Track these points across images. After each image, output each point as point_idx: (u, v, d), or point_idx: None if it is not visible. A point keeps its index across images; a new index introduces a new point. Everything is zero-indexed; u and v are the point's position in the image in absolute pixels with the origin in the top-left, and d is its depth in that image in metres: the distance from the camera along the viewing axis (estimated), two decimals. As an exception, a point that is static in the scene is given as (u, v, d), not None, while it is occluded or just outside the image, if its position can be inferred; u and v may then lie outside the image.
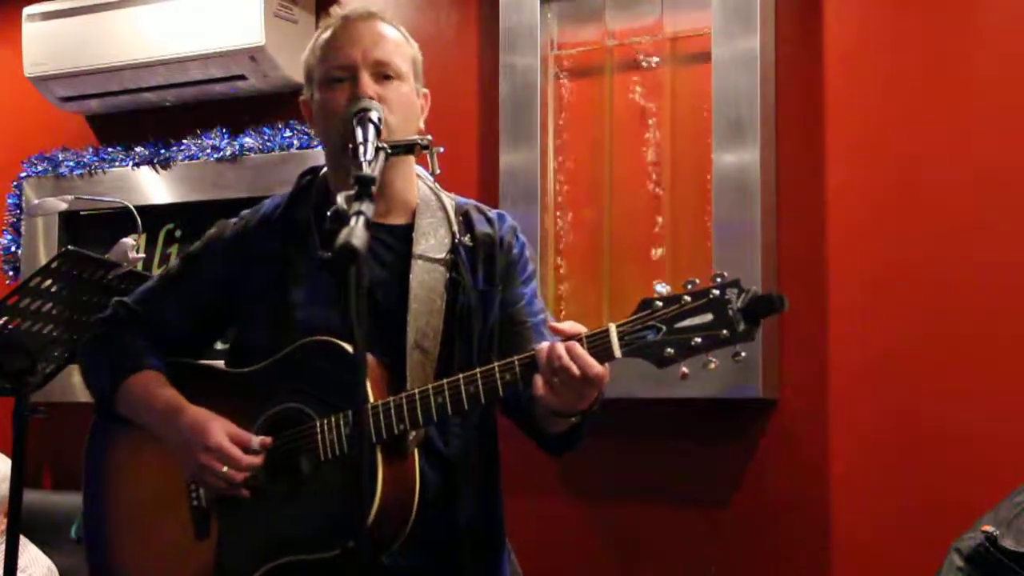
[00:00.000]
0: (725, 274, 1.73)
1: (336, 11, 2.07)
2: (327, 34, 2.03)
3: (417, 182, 2.08)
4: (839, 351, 3.00)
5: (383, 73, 1.97)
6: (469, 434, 2.02)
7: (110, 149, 4.00)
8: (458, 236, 2.03)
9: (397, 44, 2.02)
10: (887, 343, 2.95)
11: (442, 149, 1.90)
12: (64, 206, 3.39)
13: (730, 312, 1.71)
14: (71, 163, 4.04)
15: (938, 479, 2.87)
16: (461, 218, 2.06)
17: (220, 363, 2.11)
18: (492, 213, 2.11)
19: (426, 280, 1.98)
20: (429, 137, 1.91)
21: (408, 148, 1.90)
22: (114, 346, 2.10)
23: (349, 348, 1.87)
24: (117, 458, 2.13)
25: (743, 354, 1.72)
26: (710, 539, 3.10)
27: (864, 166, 3.02)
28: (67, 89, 3.94)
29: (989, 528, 2.36)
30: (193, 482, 1.99)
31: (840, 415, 2.99)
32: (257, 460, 1.92)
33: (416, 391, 1.87)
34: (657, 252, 3.21)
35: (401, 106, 1.98)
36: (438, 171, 1.92)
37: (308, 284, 1.99)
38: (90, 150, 4.03)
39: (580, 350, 1.76)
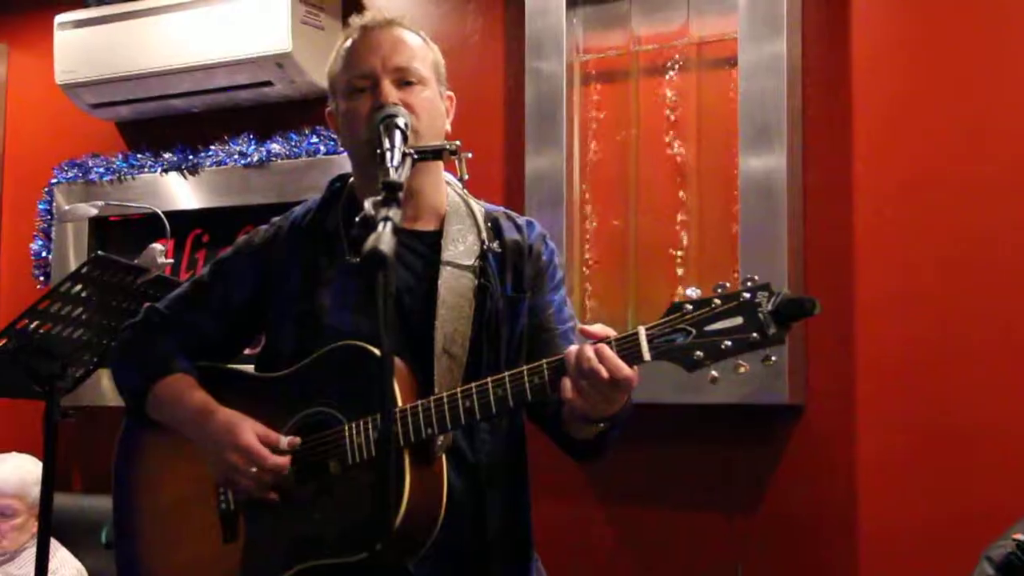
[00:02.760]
0: (756, 277, 1.71)
1: (355, 20, 2.06)
2: (347, 44, 2.02)
3: (446, 188, 2.07)
4: (867, 356, 2.98)
5: (404, 79, 1.97)
6: (497, 442, 2.00)
7: (139, 155, 4.02)
8: (487, 243, 2.02)
9: (417, 49, 2.01)
10: (916, 348, 2.93)
11: (470, 154, 1.89)
12: (94, 212, 3.41)
13: (760, 315, 1.69)
14: (101, 169, 4.07)
15: (969, 486, 2.84)
16: (490, 224, 2.05)
17: (249, 367, 2.11)
18: (521, 220, 2.11)
19: (455, 286, 1.97)
20: (458, 143, 1.90)
21: (436, 154, 1.89)
22: (145, 350, 2.10)
23: (378, 352, 1.86)
24: (146, 462, 2.14)
25: (773, 358, 1.70)
26: (737, 546, 3.08)
27: (891, 170, 2.99)
28: (97, 96, 3.96)
29: (1020, 536, 2.33)
30: (222, 484, 1.99)
31: (868, 421, 2.97)
32: (285, 461, 1.92)
33: (445, 395, 1.86)
34: (683, 257, 3.19)
35: (426, 111, 1.97)
36: (466, 177, 1.92)
37: (336, 290, 1.99)
38: (119, 156, 4.05)
39: (609, 353, 1.75)
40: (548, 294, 2.05)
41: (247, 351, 2.23)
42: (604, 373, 1.73)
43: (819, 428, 3.01)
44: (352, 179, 2.09)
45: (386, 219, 1.55)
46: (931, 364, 2.90)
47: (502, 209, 2.12)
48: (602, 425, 1.85)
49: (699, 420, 3.11)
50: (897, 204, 2.98)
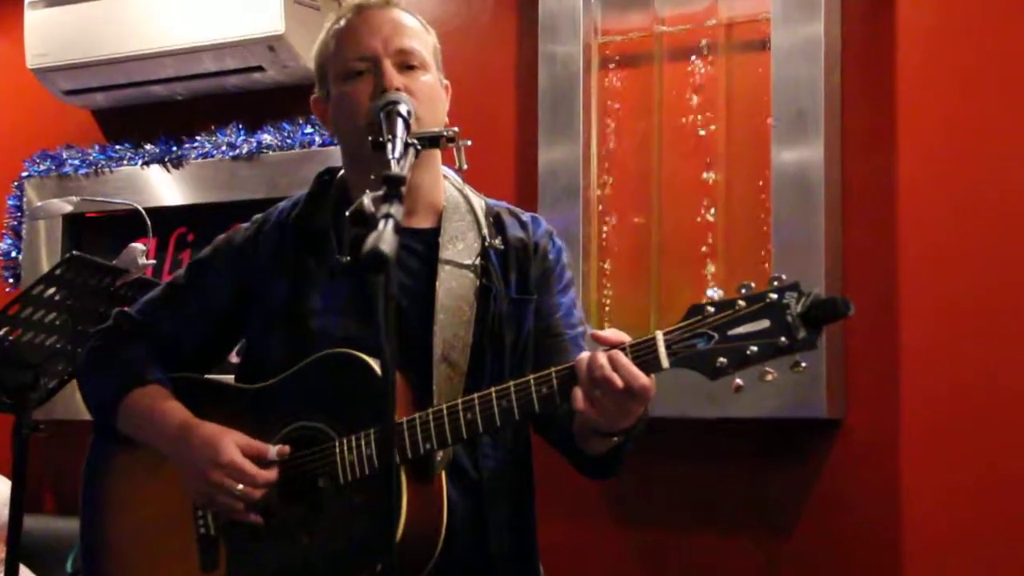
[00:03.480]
0: (784, 277, 1.71)
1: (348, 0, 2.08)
2: (342, 25, 2.04)
3: (443, 182, 2.08)
4: (911, 366, 2.97)
5: (407, 63, 1.99)
6: (501, 457, 2.01)
7: (118, 146, 4.05)
8: (488, 240, 2.03)
9: (418, 32, 2.04)
10: (964, 357, 2.91)
11: (469, 142, 1.90)
12: (69, 208, 3.43)
13: (789, 318, 1.69)
14: (76, 161, 4.09)
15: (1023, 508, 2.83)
16: (492, 220, 2.06)
17: (230, 378, 2.12)
18: (526, 216, 2.11)
19: (454, 288, 1.98)
20: (456, 129, 1.91)
21: (433, 141, 1.89)
22: (115, 359, 2.10)
23: (371, 361, 1.87)
24: (117, 482, 2.13)
25: (803, 364, 1.70)
26: (770, 572, 3.08)
27: (939, 163, 2.98)
28: (71, 82, 3.98)
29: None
30: (201, 506, 1.99)
31: (913, 435, 2.96)
32: (275, 475, 1.92)
33: (444, 407, 1.86)
34: (710, 257, 3.19)
35: (429, 97, 1.99)
36: (465, 166, 1.93)
37: (325, 291, 2.00)
38: (96, 147, 4.08)
39: (624, 360, 1.75)
40: (556, 296, 2.06)
41: (234, 357, 2.24)
42: (619, 382, 1.74)
43: (860, 443, 3.01)
44: (342, 173, 2.10)
45: (387, 216, 1.54)
46: (981, 372, 2.89)
47: (504, 204, 2.13)
48: (616, 439, 1.85)
49: (727, 435, 3.10)
50: (945, 199, 2.96)
